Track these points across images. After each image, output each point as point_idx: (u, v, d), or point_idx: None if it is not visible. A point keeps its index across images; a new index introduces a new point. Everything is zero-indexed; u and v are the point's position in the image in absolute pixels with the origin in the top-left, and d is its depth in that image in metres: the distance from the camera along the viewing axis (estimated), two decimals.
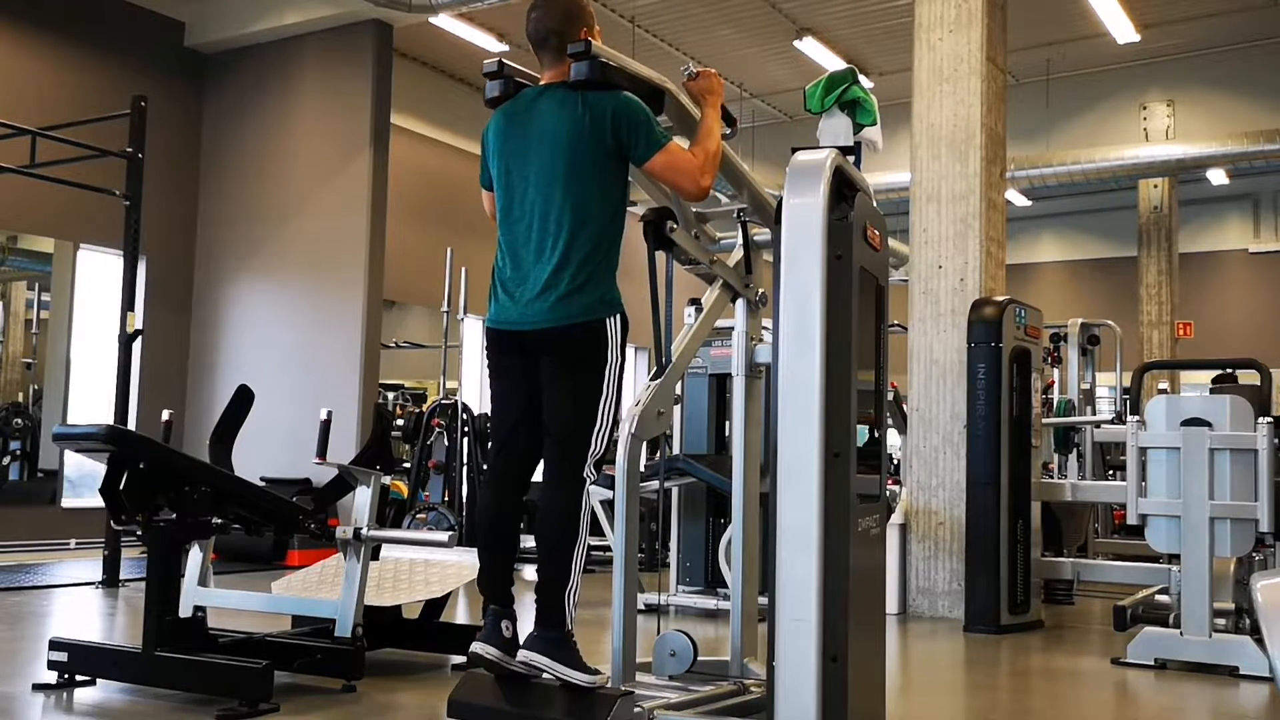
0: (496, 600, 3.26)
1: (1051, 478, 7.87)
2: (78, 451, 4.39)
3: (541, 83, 3.42)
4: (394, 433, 9.61)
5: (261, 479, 8.14)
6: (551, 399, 3.27)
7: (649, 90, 3.33)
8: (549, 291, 3.22)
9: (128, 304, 7.00)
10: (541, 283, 3.23)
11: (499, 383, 3.41)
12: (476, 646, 3.17)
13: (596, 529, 7.12)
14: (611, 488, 3.88)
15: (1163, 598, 5.59)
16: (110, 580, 6.82)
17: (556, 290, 3.21)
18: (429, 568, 4.69)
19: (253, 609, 4.63)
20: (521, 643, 3.15)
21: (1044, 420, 7.52)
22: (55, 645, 3.96)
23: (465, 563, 4.64)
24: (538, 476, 3.39)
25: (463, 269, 8.63)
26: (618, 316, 3.28)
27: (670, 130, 3.40)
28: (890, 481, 8.07)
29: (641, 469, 3.44)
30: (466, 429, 8.25)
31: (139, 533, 4.04)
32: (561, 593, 3.14)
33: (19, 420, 10.17)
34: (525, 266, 3.28)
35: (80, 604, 6.26)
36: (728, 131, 3.43)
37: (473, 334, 11.32)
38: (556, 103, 3.29)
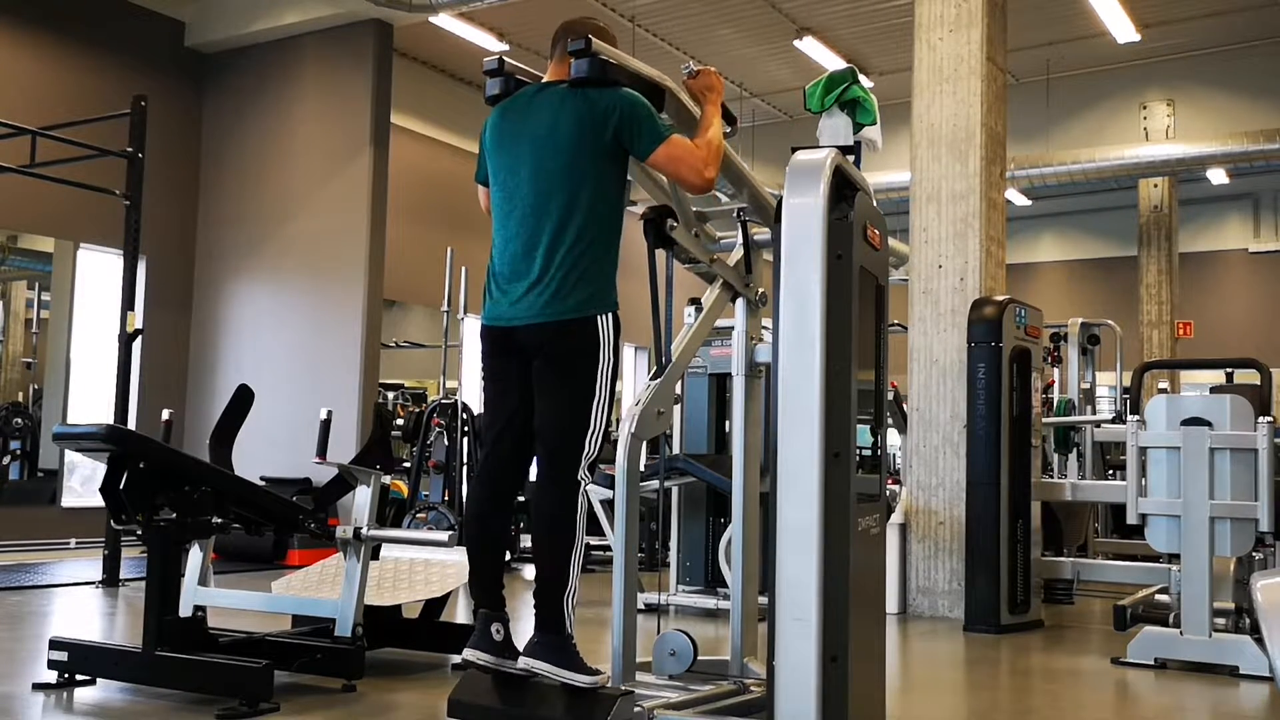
0: (486, 603, 3.25)
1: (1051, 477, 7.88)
2: (78, 451, 4.40)
3: (544, 80, 3.41)
4: (394, 432, 9.62)
5: (261, 479, 8.14)
6: (542, 401, 3.24)
7: (649, 88, 3.32)
8: (540, 287, 3.19)
9: (128, 304, 6.99)
10: (533, 278, 3.21)
11: (492, 385, 3.39)
12: (468, 653, 3.18)
13: (596, 529, 7.15)
14: (611, 488, 3.88)
15: (1163, 597, 5.59)
16: (110, 580, 6.81)
17: (550, 287, 3.18)
18: (429, 568, 4.69)
19: (253, 609, 4.63)
20: (522, 650, 3.14)
21: (1044, 420, 7.51)
22: (55, 645, 3.96)
23: (465, 562, 4.61)
24: (532, 475, 3.38)
25: (463, 269, 8.63)
26: (610, 315, 3.23)
27: (671, 128, 3.40)
28: (890, 481, 8.09)
29: (641, 469, 3.43)
30: (466, 429, 8.24)
31: (139, 532, 4.04)
32: (560, 596, 3.12)
33: (19, 420, 10.17)
34: (517, 263, 3.25)
35: (80, 603, 6.25)
36: (728, 130, 3.41)
37: (472, 333, 11.29)
38: (556, 99, 3.28)
